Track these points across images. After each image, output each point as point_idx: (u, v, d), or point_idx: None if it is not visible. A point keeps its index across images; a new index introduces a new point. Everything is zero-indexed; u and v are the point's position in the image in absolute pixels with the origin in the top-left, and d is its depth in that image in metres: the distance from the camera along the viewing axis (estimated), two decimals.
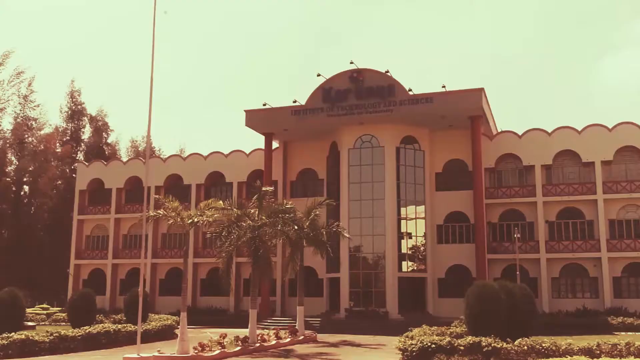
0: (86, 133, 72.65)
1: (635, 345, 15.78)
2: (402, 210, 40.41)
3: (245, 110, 41.94)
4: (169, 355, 20.11)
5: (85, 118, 72.40)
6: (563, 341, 17.08)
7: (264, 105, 41.25)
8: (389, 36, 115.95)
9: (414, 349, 17.43)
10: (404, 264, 39.90)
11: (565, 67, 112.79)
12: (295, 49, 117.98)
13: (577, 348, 15.99)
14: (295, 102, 40.28)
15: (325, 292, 41.35)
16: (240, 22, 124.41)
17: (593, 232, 38.69)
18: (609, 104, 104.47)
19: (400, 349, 18.31)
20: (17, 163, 67.96)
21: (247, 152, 46.43)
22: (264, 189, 25.63)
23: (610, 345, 15.98)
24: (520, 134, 41.02)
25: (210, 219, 20.95)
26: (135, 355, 19.34)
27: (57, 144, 70.86)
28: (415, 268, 40.43)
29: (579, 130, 39.54)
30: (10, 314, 24.75)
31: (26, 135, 69.28)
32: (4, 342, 21.63)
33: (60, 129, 71.56)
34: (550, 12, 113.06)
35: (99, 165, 50.44)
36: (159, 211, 21.27)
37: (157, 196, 27.18)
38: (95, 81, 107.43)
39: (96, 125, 72.62)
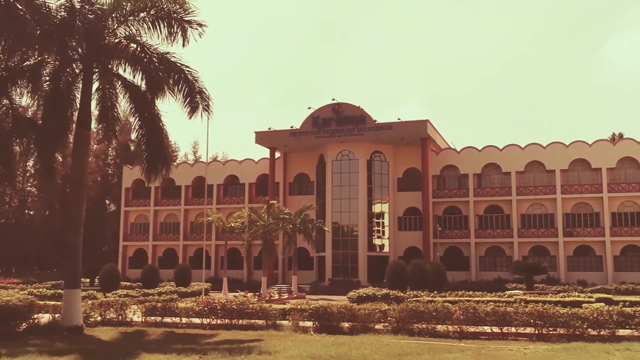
0: None
1: (482, 299, 29.96)
2: (372, 206, 54.62)
3: (255, 132, 55.94)
4: None
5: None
6: (451, 297, 30.91)
7: (269, 128, 55.31)
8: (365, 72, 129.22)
9: (354, 297, 31.62)
10: (372, 245, 54.22)
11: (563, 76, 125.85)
12: (295, 68, 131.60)
13: (439, 296, 30.09)
14: (292, 127, 54.29)
15: (314, 266, 55.66)
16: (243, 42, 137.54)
17: (509, 223, 52.87)
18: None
19: (348, 298, 32.51)
20: (61, 160, 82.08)
21: (256, 160, 60.55)
22: (271, 202, 39.90)
23: (467, 295, 30.13)
24: (458, 150, 55.08)
25: (239, 223, 35.11)
26: (201, 299, 33.47)
27: (93, 143, 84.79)
28: (380, 249, 54.73)
29: (501, 148, 53.55)
30: (112, 279, 39.13)
31: None
32: (115, 297, 35.88)
33: (94, 130, 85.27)
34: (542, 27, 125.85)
35: (141, 168, 64.44)
36: (209, 217, 35.46)
37: (209, 218, 41.24)
38: None
39: (122, 125, 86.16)
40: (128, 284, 50.80)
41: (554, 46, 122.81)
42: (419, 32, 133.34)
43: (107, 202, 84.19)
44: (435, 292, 31.25)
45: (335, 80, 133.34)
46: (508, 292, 32.27)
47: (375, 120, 52.18)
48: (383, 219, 55.04)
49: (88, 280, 47.96)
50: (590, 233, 50.53)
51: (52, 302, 26.42)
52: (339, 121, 53.01)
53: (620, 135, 65.12)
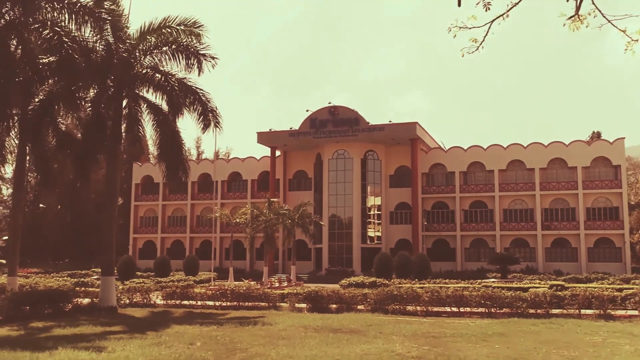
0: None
1: (455, 285, 34.15)
2: (365, 201, 58.83)
3: (257, 132, 60.06)
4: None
5: None
6: (431, 284, 35.16)
7: (270, 129, 59.45)
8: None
9: (346, 284, 35.80)
10: (366, 238, 58.46)
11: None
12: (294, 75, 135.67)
13: (418, 283, 34.26)
14: (291, 128, 58.43)
15: (312, 257, 59.93)
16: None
17: (493, 217, 57.09)
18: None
19: (340, 285, 36.71)
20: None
21: (258, 158, 64.71)
22: (272, 199, 44.11)
23: (443, 282, 34.33)
24: (446, 149, 59.23)
25: (244, 219, 39.35)
26: (213, 286, 37.72)
27: None
28: (373, 241, 58.99)
29: (485, 147, 57.68)
30: (129, 269, 43.40)
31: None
32: (135, 284, 40.11)
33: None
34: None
35: (149, 165, 68.71)
36: (216, 214, 39.68)
37: (216, 214, 45.55)
38: None
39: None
40: (139, 273, 55.18)
41: (555, 39, 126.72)
42: (421, 26, 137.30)
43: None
44: (416, 279, 35.49)
45: (336, 76, 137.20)
46: (479, 280, 36.47)
47: (369, 122, 56.29)
48: (376, 212, 59.23)
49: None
50: (566, 227, 54.73)
51: (83, 288, 30.79)
52: (334, 123, 57.10)
53: (599, 134, 69.24)
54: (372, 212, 59.15)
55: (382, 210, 59.12)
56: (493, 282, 34.53)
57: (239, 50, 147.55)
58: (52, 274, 54.40)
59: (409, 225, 58.24)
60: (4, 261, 76.02)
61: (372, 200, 59.19)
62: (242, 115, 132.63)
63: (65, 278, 43.55)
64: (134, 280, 40.74)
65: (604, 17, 4.05)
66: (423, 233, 57.63)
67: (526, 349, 13.29)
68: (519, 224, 56.23)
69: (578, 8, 4.00)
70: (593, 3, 4.00)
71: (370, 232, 58.93)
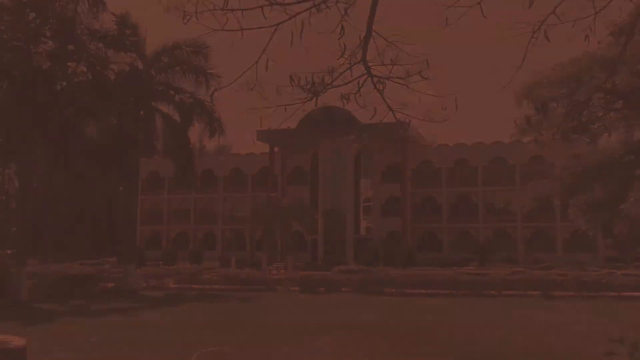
0: None
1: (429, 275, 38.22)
2: (359, 195, 62.86)
3: (256, 130, 63.74)
4: None
5: None
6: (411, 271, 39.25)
7: (269, 128, 63.23)
8: None
9: (336, 271, 39.91)
10: (359, 230, 62.52)
11: None
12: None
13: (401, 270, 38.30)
14: (288, 127, 62.27)
15: (309, 247, 63.94)
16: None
17: (477, 211, 61.11)
18: None
19: (331, 272, 40.83)
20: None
21: (257, 154, 68.67)
22: (270, 194, 48.21)
23: (422, 270, 38.41)
24: (434, 147, 63.23)
25: (244, 213, 43.47)
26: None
27: None
28: (366, 232, 63.03)
29: (469, 145, 61.65)
30: (139, 258, 47.47)
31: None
32: (146, 271, 44.22)
33: None
34: None
35: (156, 160, 72.61)
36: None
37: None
38: None
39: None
40: (148, 262, 59.27)
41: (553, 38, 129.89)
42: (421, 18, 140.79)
43: (122, 189, 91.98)
44: (400, 268, 39.61)
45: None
46: (454, 268, 40.55)
47: (361, 122, 60.18)
48: (368, 206, 63.33)
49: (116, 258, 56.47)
50: (545, 219, 58.73)
51: (106, 274, 34.89)
52: (330, 122, 60.95)
53: None
54: (364, 206, 63.16)
55: (375, 203, 63.10)
56: (466, 269, 38.57)
57: (238, 48, 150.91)
58: (65, 263, 58.48)
59: (399, 218, 62.19)
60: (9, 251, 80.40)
61: (365, 195, 63.20)
62: (241, 112, 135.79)
63: (82, 266, 47.55)
64: (146, 268, 44.76)
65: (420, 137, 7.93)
66: (412, 225, 61.64)
67: (459, 317, 17.38)
68: (501, 217, 60.19)
69: (405, 131, 7.94)
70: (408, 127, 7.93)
71: (363, 224, 62.97)
